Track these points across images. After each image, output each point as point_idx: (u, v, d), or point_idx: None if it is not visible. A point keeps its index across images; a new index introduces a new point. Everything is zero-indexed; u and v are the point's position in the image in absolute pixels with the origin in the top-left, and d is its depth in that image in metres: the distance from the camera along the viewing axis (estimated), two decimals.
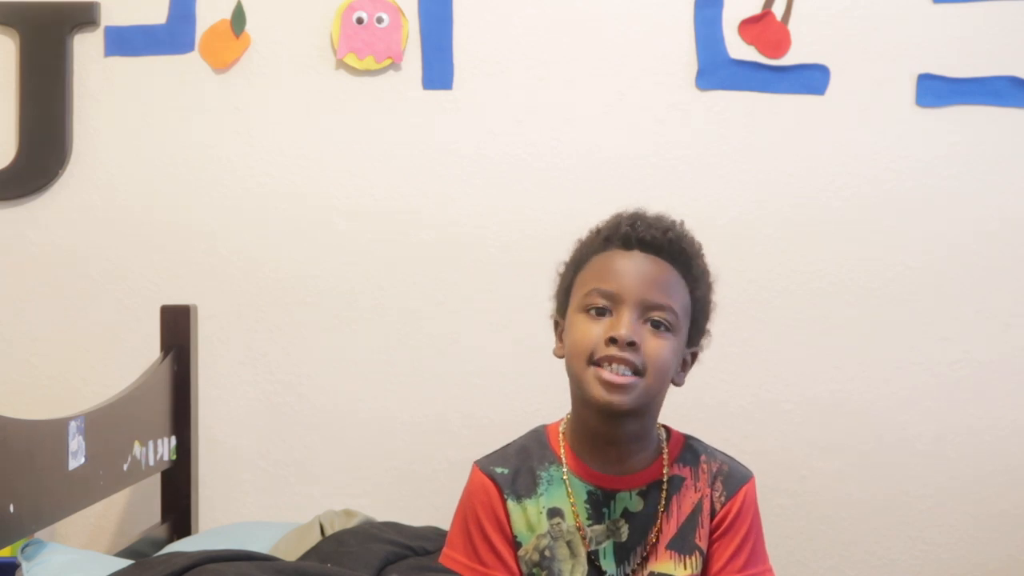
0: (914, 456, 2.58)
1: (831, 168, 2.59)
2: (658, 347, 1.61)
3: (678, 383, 1.70)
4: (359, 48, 2.61)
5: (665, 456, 1.70)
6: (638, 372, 1.61)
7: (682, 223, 1.72)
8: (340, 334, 2.63)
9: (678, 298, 1.65)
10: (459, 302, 2.62)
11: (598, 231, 1.72)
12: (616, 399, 1.60)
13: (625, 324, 1.60)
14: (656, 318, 1.62)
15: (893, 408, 2.58)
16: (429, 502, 2.56)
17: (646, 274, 1.64)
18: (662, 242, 1.66)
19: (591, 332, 1.62)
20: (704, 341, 1.75)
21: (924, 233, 2.58)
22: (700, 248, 1.72)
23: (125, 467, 2.23)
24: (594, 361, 1.61)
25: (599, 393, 1.61)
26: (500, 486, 1.68)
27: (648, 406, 1.66)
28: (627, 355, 1.60)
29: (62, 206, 2.64)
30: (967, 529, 2.58)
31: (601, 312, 1.63)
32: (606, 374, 1.60)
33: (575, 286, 1.69)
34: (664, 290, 1.64)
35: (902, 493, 2.59)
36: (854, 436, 2.59)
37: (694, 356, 1.73)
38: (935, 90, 2.57)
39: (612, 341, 1.60)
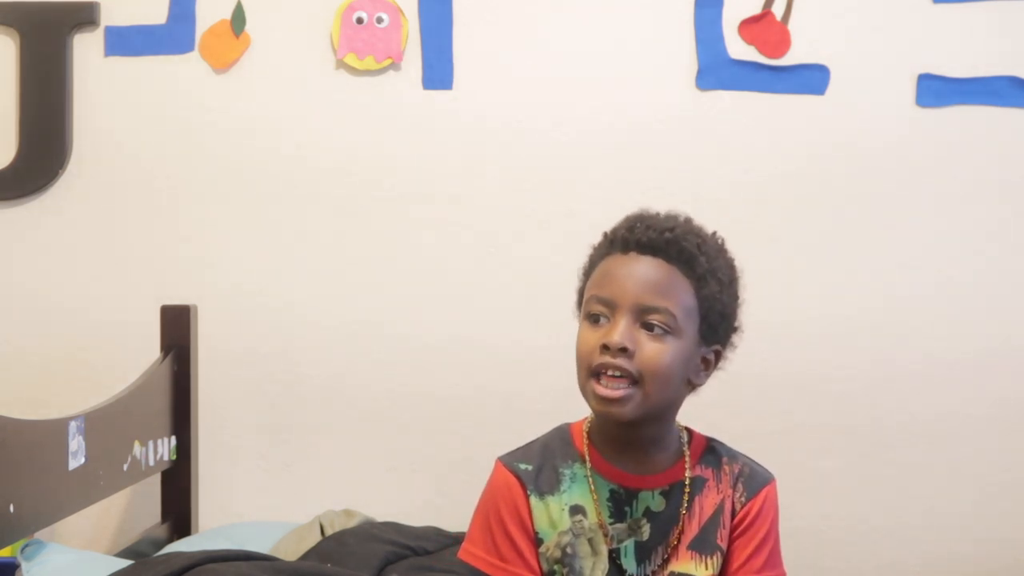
0: (914, 455, 2.58)
1: (831, 168, 2.59)
2: (655, 352, 1.60)
3: (696, 383, 1.68)
4: (359, 48, 2.61)
5: (687, 457, 1.70)
6: (634, 380, 1.60)
7: (688, 220, 1.70)
8: (340, 334, 2.63)
9: (678, 299, 1.63)
10: (460, 302, 2.62)
11: (605, 235, 1.71)
12: (614, 411, 1.60)
13: (618, 331, 1.59)
14: (652, 321, 1.61)
15: (893, 406, 2.58)
16: (429, 502, 2.56)
17: (640, 277, 1.63)
18: (659, 242, 1.64)
19: (589, 341, 1.62)
20: (735, 337, 1.73)
21: (924, 233, 2.58)
22: (709, 245, 1.69)
23: (125, 467, 2.23)
24: (592, 371, 1.61)
25: (597, 407, 1.61)
26: (524, 482, 1.67)
27: (659, 412, 1.65)
28: (620, 362, 1.59)
29: (62, 206, 2.64)
30: (968, 528, 2.58)
31: (600, 319, 1.63)
32: (600, 389, 1.60)
33: (585, 293, 1.69)
34: (660, 292, 1.62)
35: (903, 493, 2.59)
36: (854, 433, 2.59)
37: (717, 355, 1.70)
38: (935, 90, 2.57)
39: (605, 348, 1.60)
